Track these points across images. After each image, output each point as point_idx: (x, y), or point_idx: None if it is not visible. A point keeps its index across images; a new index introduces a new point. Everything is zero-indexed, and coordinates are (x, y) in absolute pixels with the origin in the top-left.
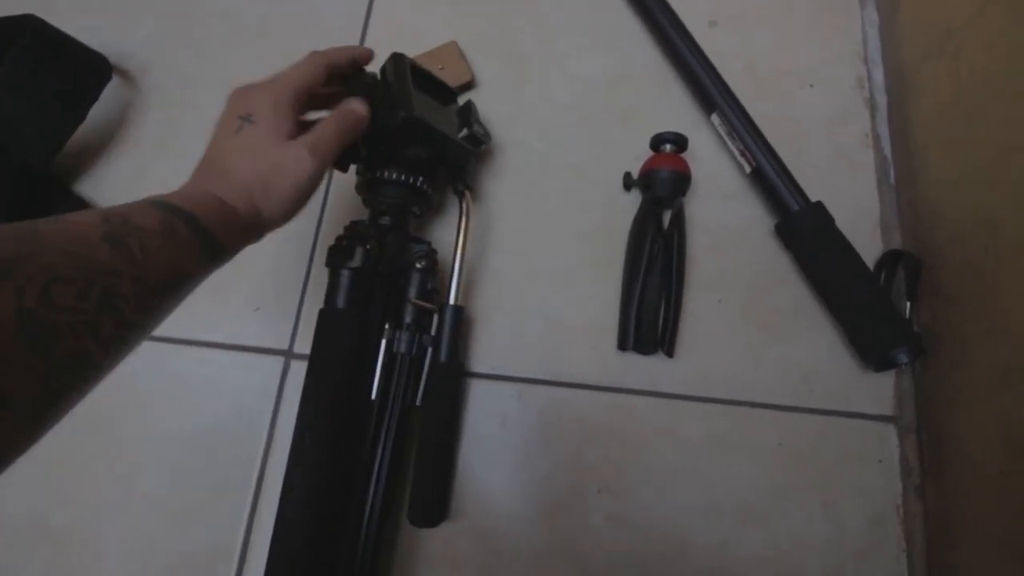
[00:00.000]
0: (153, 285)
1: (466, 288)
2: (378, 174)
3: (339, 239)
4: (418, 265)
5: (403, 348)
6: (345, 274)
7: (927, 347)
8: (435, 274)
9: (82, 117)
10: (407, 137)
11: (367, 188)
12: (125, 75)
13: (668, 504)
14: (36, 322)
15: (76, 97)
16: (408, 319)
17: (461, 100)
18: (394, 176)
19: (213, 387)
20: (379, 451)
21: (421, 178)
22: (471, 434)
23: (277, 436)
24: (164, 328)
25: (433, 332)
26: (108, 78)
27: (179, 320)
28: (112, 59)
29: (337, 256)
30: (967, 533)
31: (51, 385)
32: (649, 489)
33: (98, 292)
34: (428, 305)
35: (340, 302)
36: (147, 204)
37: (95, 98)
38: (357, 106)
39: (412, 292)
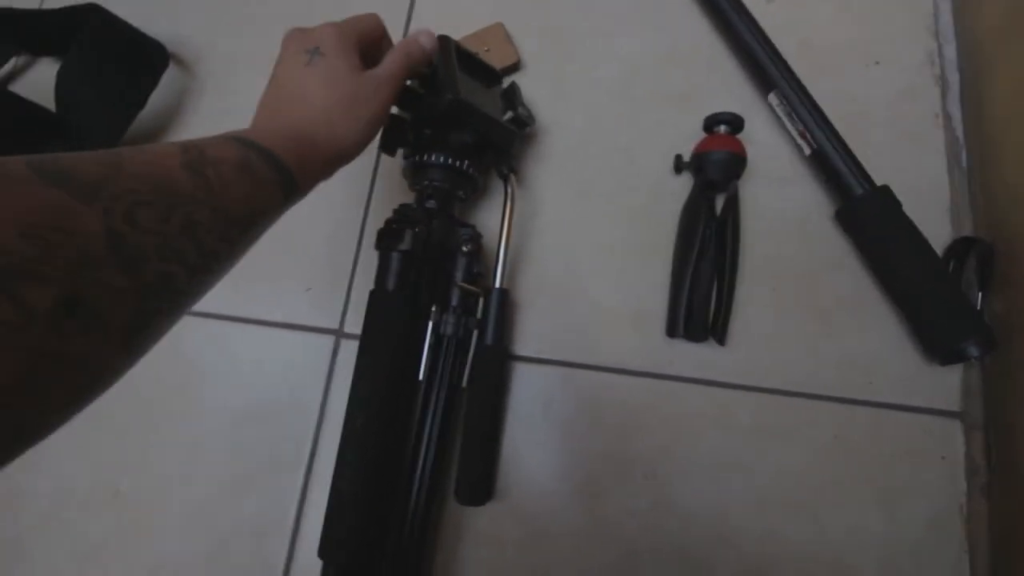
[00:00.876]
0: (232, 217)
1: (511, 272)
2: (424, 157)
3: (388, 222)
4: (464, 249)
5: (449, 330)
6: (395, 256)
7: (999, 340)
8: (480, 258)
9: (143, 103)
10: (453, 120)
11: (413, 172)
12: (180, 61)
13: (716, 493)
14: (124, 242)
15: (137, 84)
16: (454, 302)
17: (506, 82)
18: (440, 160)
19: (268, 365)
20: (426, 430)
21: (467, 162)
22: (516, 416)
23: (328, 412)
24: (221, 306)
25: (479, 315)
26: (166, 65)
27: (235, 299)
28: (168, 46)
29: (387, 239)
30: None
31: (142, 305)
32: (696, 477)
33: (180, 217)
34: (473, 288)
35: (390, 284)
36: (225, 139)
37: (155, 84)
38: (424, 38)
39: (458, 275)
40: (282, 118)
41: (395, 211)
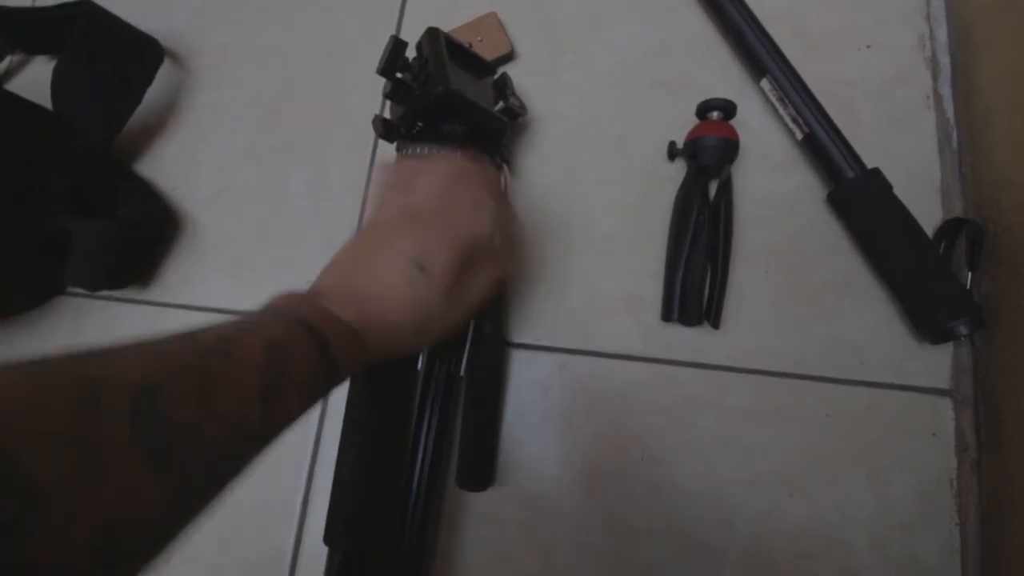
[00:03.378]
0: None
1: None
2: (416, 151)
3: None
4: None
5: None
6: None
7: (988, 319)
8: None
9: (139, 99)
10: (444, 111)
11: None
12: (174, 56)
13: (712, 474)
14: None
15: (133, 80)
16: None
17: (499, 72)
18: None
19: None
20: (426, 418)
21: (458, 153)
22: (515, 403)
23: (332, 401)
24: (224, 301)
25: None
26: (160, 61)
27: (237, 294)
28: (162, 41)
29: None
30: (1023, 509)
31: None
32: (693, 459)
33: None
34: None
35: None
36: (305, 336)
37: (150, 80)
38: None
39: None
40: (354, 316)
41: None
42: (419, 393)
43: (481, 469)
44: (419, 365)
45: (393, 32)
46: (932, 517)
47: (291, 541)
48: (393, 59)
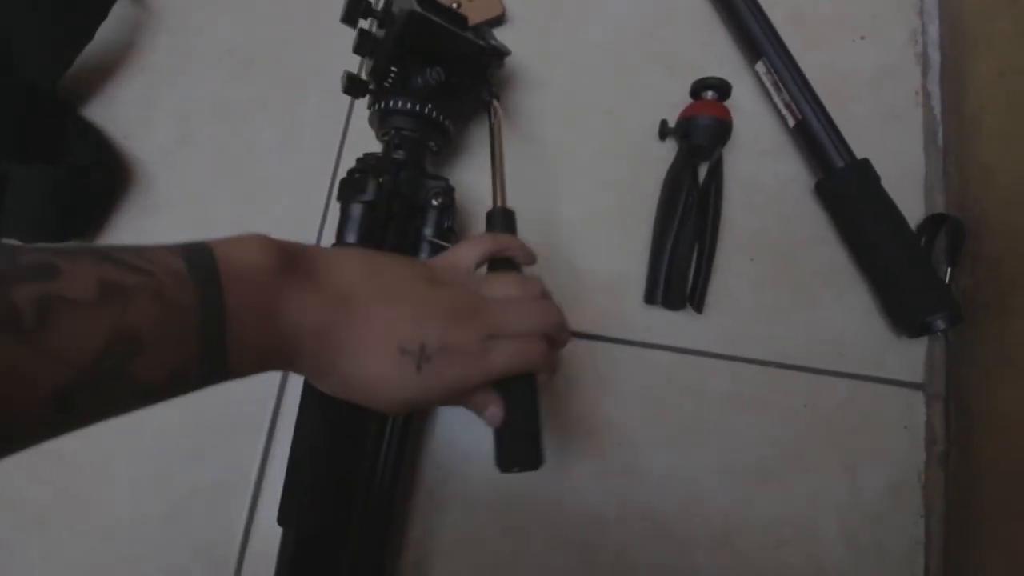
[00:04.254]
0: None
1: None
2: (388, 104)
3: (351, 172)
4: (434, 202)
5: None
6: (357, 208)
7: (965, 315)
8: (453, 212)
9: (90, 36)
10: (414, 38)
11: (379, 121)
12: None
13: (687, 460)
14: None
15: (83, 14)
16: (424, 257)
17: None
18: (404, 105)
19: None
20: None
21: (433, 108)
22: None
23: (291, 376)
24: None
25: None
26: None
27: None
28: None
29: (349, 189)
30: (989, 502)
31: None
32: (669, 444)
33: None
34: (444, 244)
35: (351, 237)
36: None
37: (103, 16)
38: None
39: (428, 231)
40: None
41: (359, 160)
42: None
43: (532, 446)
44: None
45: None
46: (900, 509)
47: (243, 519)
48: (352, 7)
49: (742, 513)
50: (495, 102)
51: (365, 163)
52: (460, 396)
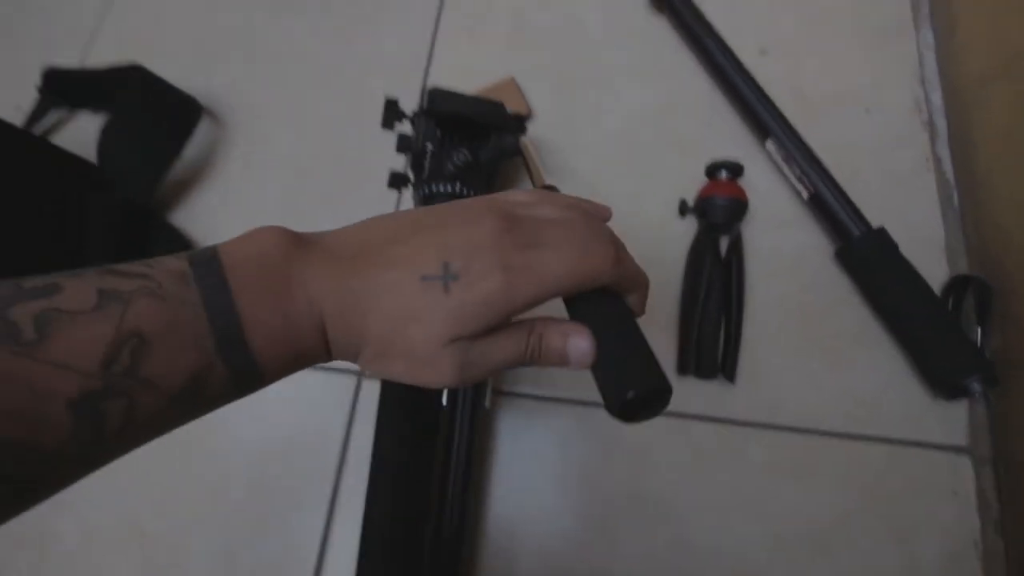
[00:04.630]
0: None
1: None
2: (427, 189)
3: None
4: None
5: None
6: None
7: (1000, 376)
8: None
9: (178, 154)
10: (439, 104)
11: (422, 203)
12: (212, 114)
13: (731, 531)
14: None
15: (173, 137)
16: None
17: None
18: (442, 188)
19: (290, 405)
20: (453, 457)
21: (463, 185)
22: (532, 455)
23: (350, 451)
24: None
25: None
26: (199, 118)
27: None
28: (201, 99)
29: None
30: None
31: None
32: (711, 516)
33: None
34: None
35: None
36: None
37: (188, 137)
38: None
39: None
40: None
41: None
42: (444, 432)
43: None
44: (444, 401)
45: (419, 97)
46: None
47: None
48: (389, 114)
49: None
50: (523, 138)
51: None
52: (517, 325)
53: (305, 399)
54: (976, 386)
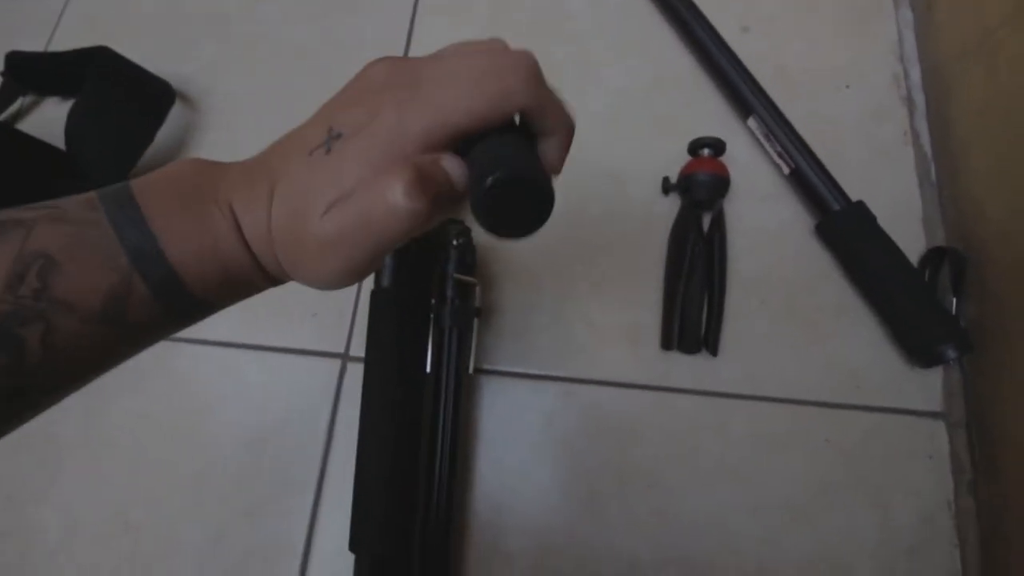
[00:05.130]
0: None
1: (508, 293)
2: None
3: None
4: (455, 242)
5: (448, 321)
6: (388, 256)
7: (974, 343)
8: (473, 249)
9: (150, 139)
10: None
11: None
12: (186, 98)
13: (715, 501)
14: None
15: (145, 121)
16: (450, 293)
17: None
18: None
19: (275, 390)
20: (440, 421)
21: None
22: (519, 432)
23: (336, 435)
24: (228, 333)
25: (477, 303)
26: (172, 102)
27: (242, 326)
28: (173, 83)
29: None
30: (1021, 528)
31: None
32: (696, 486)
33: None
34: (469, 279)
35: (385, 281)
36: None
37: (161, 121)
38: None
39: (451, 268)
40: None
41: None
42: (431, 395)
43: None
44: (428, 368)
45: None
46: (933, 540)
47: None
48: None
49: (775, 553)
50: None
51: None
52: (403, 166)
53: (290, 383)
54: (951, 353)
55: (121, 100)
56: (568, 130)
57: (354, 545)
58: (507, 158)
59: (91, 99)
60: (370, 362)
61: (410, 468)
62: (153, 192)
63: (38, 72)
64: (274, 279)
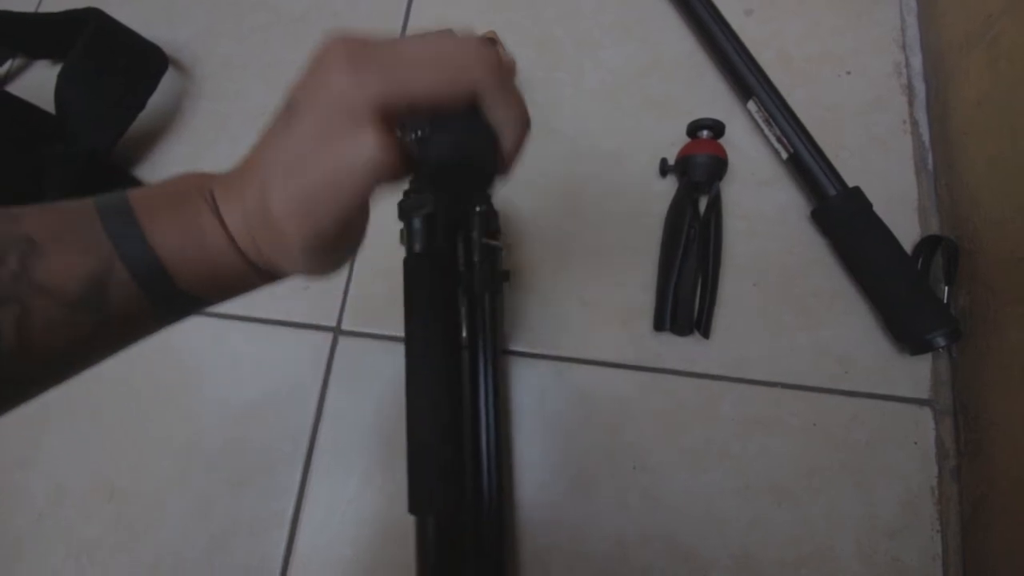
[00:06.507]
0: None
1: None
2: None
3: (406, 193)
4: (478, 208)
5: (478, 287)
6: (417, 221)
7: (964, 331)
8: (496, 214)
9: (142, 105)
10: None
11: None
12: (179, 65)
13: (702, 483)
14: None
15: (136, 86)
16: (477, 258)
17: None
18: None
19: (266, 362)
20: (482, 389)
21: None
22: (512, 410)
23: (327, 408)
24: (222, 305)
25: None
26: (165, 68)
27: (252, 303)
28: (166, 50)
29: (408, 207)
30: (1003, 514)
31: None
32: (684, 468)
33: None
34: (496, 243)
35: (417, 247)
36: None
37: (154, 87)
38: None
39: (476, 234)
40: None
41: (411, 182)
42: (468, 362)
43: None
44: (464, 333)
45: None
46: (915, 524)
47: (282, 549)
48: None
49: (760, 534)
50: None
51: (414, 187)
52: (364, 128)
53: (280, 357)
54: (941, 340)
55: (113, 64)
56: (523, 125)
57: (415, 506)
58: (457, 139)
59: (82, 62)
60: (410, 327)
61: (458, 431)
62: (145, 194)
63: (28, 34)
64: (268, 274)
